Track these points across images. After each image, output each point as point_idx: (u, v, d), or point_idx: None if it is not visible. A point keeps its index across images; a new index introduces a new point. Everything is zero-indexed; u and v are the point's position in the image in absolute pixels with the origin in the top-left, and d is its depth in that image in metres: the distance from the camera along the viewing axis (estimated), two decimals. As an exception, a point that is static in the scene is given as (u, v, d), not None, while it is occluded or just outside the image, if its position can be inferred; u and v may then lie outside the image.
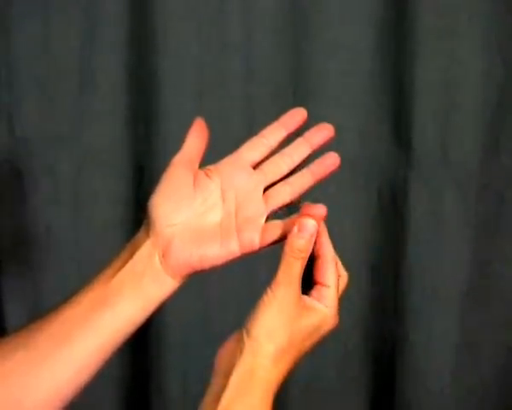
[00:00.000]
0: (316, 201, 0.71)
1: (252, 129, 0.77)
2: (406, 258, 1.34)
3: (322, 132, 0.75)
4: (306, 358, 1.39)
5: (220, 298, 1.39)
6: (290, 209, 0.74)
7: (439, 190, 1.32)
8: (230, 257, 0.72)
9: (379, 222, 1.36)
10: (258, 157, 0.75)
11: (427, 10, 1.27)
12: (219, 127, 1.30)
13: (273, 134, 0.76)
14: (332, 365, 1.40)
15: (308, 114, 0.77)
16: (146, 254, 0.72)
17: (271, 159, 0.75)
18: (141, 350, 1.39)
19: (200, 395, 0.69)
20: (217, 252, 0.71)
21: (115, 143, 1.35)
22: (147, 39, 1.31)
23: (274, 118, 0.77)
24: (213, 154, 0.77)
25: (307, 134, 0.75)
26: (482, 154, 1.31)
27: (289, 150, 0.75)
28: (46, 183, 1.36)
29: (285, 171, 0.75)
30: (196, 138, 0.75)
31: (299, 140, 0.76)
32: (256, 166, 0.75)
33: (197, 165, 0.75)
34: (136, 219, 1.33)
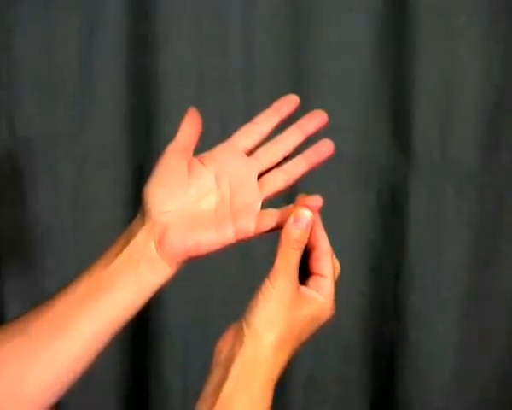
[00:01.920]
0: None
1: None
2: (406, 258, 1.34)
3: (316, 119, 0.76)
4: (306, 358, 1.39)
5: (220, 294, 1.39)
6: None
7: (439, 190, 1.32)
8: (226, 243, 0.72)
9: (379, 222, 1.36)
10: (251, 144, 0.76)
11: (427, 10, 1.27)
12: (219, 127, 1.30)
13: (266, 121, 0.76)
14: (332, 365, 1.40)
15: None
16: (142, 242, 0.72)
17: (265, 145, 0.76)
18: (141, 346, 1.39)
19: (201, 390, 0.68)
20: (212, 238, 0.71)
21: (115, 143, 1.36)
22: (147, 40, 1.32)
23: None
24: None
25: (300, 121, 0.76)
26: (482, 154, 1.30)
27: (283, 137, 0.75)
28: (46, 183, 1.36)
29: (279, 157, 0.75)
30: (190, 127, 0.76)
31: (293, 127, 0.76)
32: (250, 153, 0.75)
33: (191, 153, 0.75)
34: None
